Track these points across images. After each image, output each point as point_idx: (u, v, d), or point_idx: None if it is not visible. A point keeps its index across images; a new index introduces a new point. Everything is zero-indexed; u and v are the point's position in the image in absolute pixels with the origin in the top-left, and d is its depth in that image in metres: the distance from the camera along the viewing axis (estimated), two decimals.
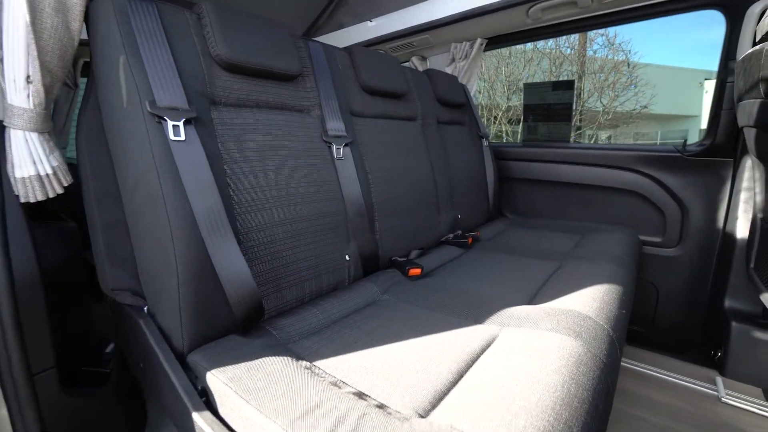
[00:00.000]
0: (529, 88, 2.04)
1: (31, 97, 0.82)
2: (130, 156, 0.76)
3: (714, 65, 1.52)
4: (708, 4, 1.49)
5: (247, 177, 0.86)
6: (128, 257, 0.87)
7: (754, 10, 1.27)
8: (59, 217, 1.07)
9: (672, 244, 1.62)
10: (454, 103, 1.73)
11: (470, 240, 1.42)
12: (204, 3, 0.86)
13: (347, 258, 1.05)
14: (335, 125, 1.08)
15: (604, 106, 6.89)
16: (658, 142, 12.90)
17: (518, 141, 2.13)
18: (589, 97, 6.98)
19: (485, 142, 1.86)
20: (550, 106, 1.93)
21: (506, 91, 6.56)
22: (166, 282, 0.74)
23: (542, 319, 0.79)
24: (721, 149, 1.48)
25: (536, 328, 0.76)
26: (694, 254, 1.56)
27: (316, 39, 2.39)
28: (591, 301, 0.87)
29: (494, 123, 6.71)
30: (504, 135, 6.58)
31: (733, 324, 1.33)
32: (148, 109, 0.72)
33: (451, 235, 1.48)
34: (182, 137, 0.74)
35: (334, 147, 1.05)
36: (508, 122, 6.61)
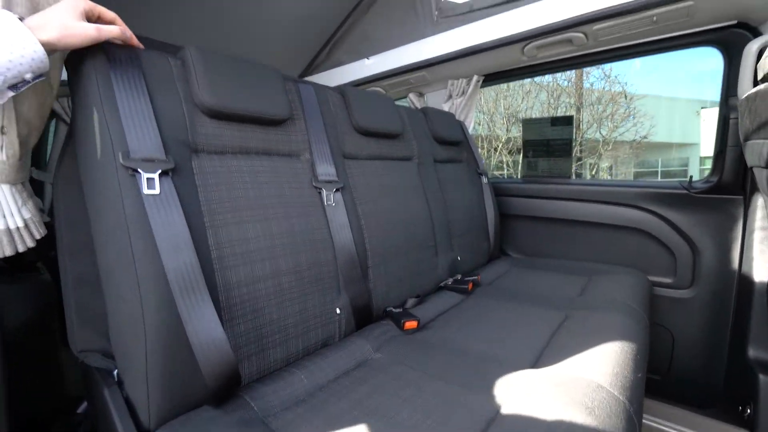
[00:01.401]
0: (528, 124, 2.02)
1: (4, 149, 0.78)
2: (103, 210, 0.71)
3: (708, 95, 1.51)
4: (704, 42, 1.48)
5: (229, 229, 0.80)
6: (100, 316, 0.81)
7: (751, 48, 1.25)
8: (35, 268, 1.01)
9: (684, 286, 1.54)
10: (451, 140, 1.71)
11: (470, 285, 1.34)
12: (189, 48, 0.84)
13: (338, 311, 0.98)
14: (326, 170, 1.04)
15: (603, 137, 6.95)
16: (660, 169, 12.95)
17: (519, 169, 2.09)
18: (588, 128, 7.04)
19: (485, 180, 1.81)
20: (549, 141, 1.91)
21: (506, 122, 6.64)
22: (134, 348, 0.68)
23: (548, 389, 0.71)
24: (730, 187, 1.42)
25: (542, 401, 0.68)
26: (709, 297, 1.48)
27: (315, 75, 2.43)
28: (602, 365, 0.79)
29: (495, 154, 6.74)
30: (505, 166, 6.61)
31: (761, 377, 1.22)
32: (121, 161, 0.67)
33: (450, 280, 1.40)
34: (156, 190, 0.69)
35: (325, 193, 1.00)
36: (509, 153, 6.64)
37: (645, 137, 6.89)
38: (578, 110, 6.75)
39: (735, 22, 1.35)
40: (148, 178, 0.69)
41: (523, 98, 6.75)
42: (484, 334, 1.01)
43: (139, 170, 0.68)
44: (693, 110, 11.70)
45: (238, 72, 0.88)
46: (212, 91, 0.82)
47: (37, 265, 1.02)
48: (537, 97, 6.80)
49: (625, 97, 6.60)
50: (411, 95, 2.20)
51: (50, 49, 0.62)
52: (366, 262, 1.09)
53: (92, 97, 0.71)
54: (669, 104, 11.03)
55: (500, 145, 6.76)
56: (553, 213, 1.86)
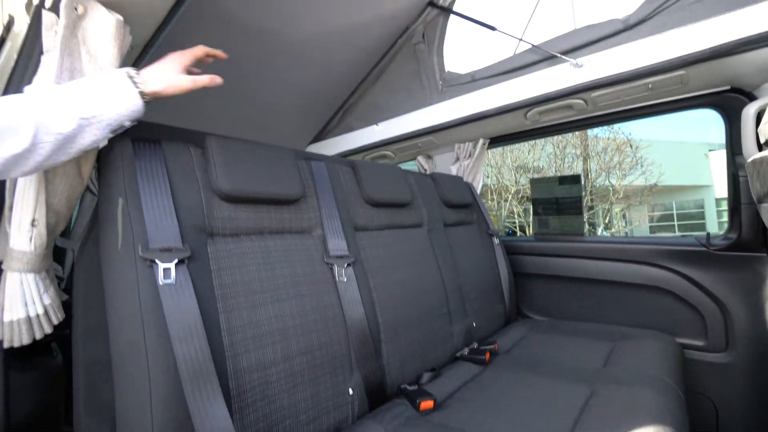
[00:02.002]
0: (536, 183, 2.05)
1: (33, 240, 0.82)
2: (119, 298, 0.73)
3: (715, 138, 1.53)
4: (702, 104, 1.52)
5: (242, 313, 0.81)
6: (108, 404, 0.79)
7: (749, 111, 1.27)
8: (49, 350, 1.01)
9: (719, 348, 1.45)
10: (460, 204, 1.73)
11: (487, 355, 1.29)
12: (209, 138, 0.89)
13: (350, 392, 0.94)
14: (337, 244, 1.05)
15: (612, 186, 6.98)
16: (675, 212, 12.76)
17: (530, 220, 2.08)
18: (597, 177, 7.10)
19: (496, 240, 1.81)
20: (559, 200, 1.92)
21: (513, 174, 6.76)
22: None
23: None
24: (750, 244, 1.39)
25: None
26: (749, 361, 1.38)
27: (327, 140, 2.54)
28: None
29: (505, 204, 6.78)
30: (516, 216, 6.61)
31: None
32: (140, 253, 0.70)
33: (467, 350, 1.35)
34: (172, 280, 0.71)
35: (336, 268, 1.01)
36: (519, 202, 6.68)
37: (655, 185, 6.89)
38: (585, 161, 6.85)
39: (728, 87, 1.39)
40: (164, 269, 0.71)
41: (530, 150, 6.91)
42: (504, 415, 0.95)
43: (156, 261, 0.70)
44: (701, 153, 11.74)
45: (254, 157, 0.94)
46: (229, 178, 0.86)
47: (51, 345, 1.02)
48: (543, 149, 6.95)
49: (631, 146, 6.72)
50: (419, 158, 2.28)
51: (155, 96, 0.76)
52: (378, 336, 1.07)
53: (118, 189, 0.76)
54: (677, 148, 11.10)
55: (510, 197, 6.82)
56: (568, 271, 1.82)
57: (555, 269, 1.86)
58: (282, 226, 0.97)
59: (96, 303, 0.83)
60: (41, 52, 0.81)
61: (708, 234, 1.53)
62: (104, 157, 0.81)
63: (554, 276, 1.87)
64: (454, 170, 2.08)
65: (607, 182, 6.85)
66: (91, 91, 0.69)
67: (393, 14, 1.89)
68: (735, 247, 1.43)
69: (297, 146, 2.65)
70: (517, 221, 6.52)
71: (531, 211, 2.02)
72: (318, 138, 2.58)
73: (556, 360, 1.30)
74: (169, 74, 0.77)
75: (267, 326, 0.83)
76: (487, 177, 6.77)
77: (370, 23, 1.85)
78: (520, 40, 1.69)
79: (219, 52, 0.88)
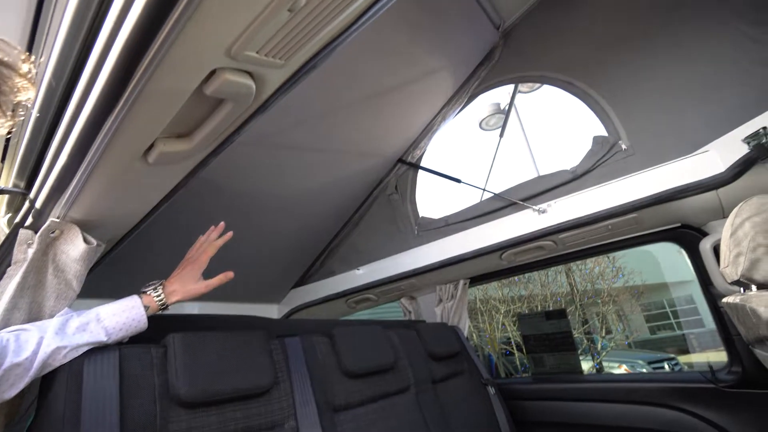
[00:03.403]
0: (524, 319, 2.01)
1: None
2: None
3: None
4: (660, 239, 1.62)
5: None
6: None
7: (705, 246, 1.35)
8: None
9: None
10: (447, 354, 1.63)
11: None
12: (172, 336, 0.84)
13: None
14: None
15: (601, 297, 7.03)
16: (668, 310, 12.55)
17: (524, 350, 1.96)
18: (583, 290, 7.16)
19: (492, 390, 1.66)
20: (549, 336, 1.86)
21: (500, 291, 6.76)
22: None
23: None
24: (759, 380, 1.31)
25: None
26: None
27: (310, 285, 2.52)
28: None
29: (496, 316, 6.57)
30: (511, 333, 6.36)
31: None
32: None
33: None
34: None
35: None
36: (510, 319, 6.49)
37: (642, 292, 6.93)
38: (567, 275, 7.00)
39: (680, 224, 1.50)
40: None
41: None
42: None
43: None
44: (674, 250, 12.15)
45: (221, 350, 0.88)
46: (191, 380, 0.79)
47: None
48: None
49: (608, 257, 7.01)
50: (403, 300, 2.25)
51: (178, 303, 0.88)
52: None
53: (57, 403, 0.67)
54: (653, 247, 11.53)
55: (501, 317, 6.70)
56: (575, 417, 1.65)
57: (560, 415, 1.69)
58: (249, 425, 0.86)
59: None
60: (9, 264, 0.82)
61: (711, 367, 1.45)
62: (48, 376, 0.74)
63: (561, 423, 1.68)
64: (438, 312, 2.04)
65: (594, 287, 6.89)
66: (117, 314, 0.80)
67: (367, 170, 2.08)
68: (744, 384, 1.34)
69: (279, 293, 2.60)
70: (512, 339, 6.21)
71: (525, 358, 1.94)
72: (300, 282, 2.56)
73: None
74: (188, 286, 0.90)
75: None
76: (473, 296, 6.69)
77: (348, 178, 2.03)
78: (484, 190, 1.84)
79: (226, 237, 0.98)
